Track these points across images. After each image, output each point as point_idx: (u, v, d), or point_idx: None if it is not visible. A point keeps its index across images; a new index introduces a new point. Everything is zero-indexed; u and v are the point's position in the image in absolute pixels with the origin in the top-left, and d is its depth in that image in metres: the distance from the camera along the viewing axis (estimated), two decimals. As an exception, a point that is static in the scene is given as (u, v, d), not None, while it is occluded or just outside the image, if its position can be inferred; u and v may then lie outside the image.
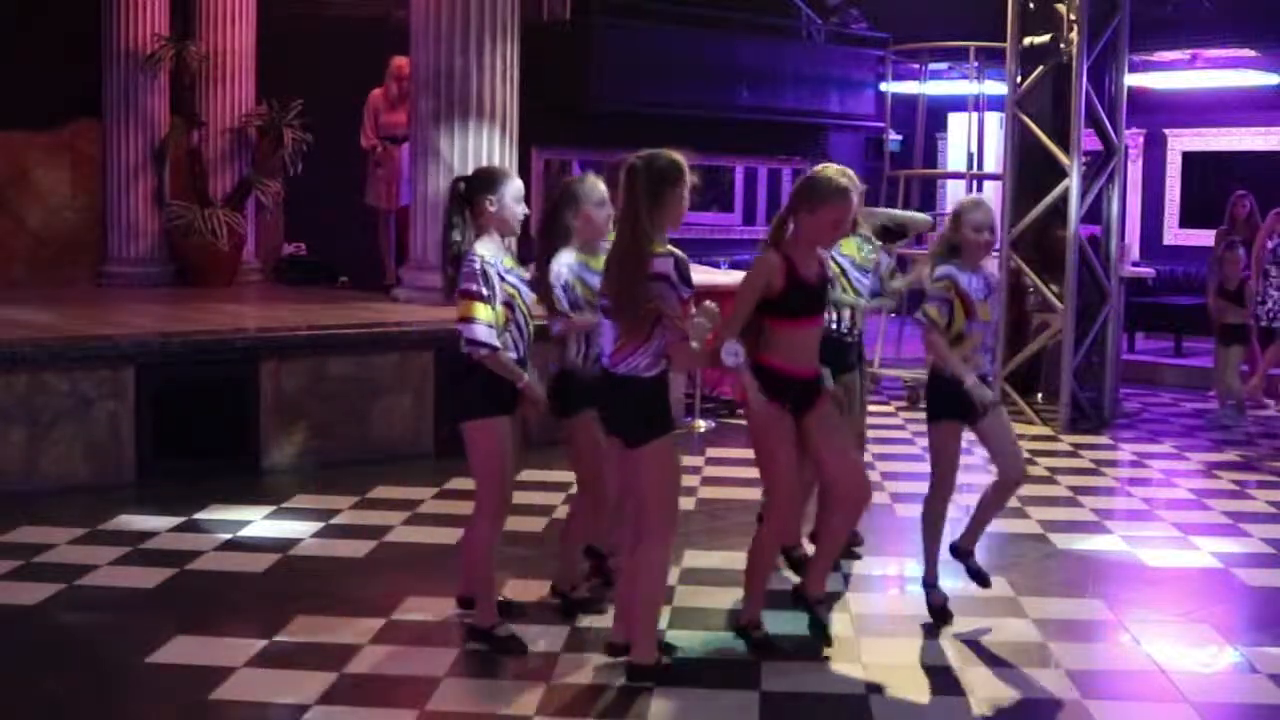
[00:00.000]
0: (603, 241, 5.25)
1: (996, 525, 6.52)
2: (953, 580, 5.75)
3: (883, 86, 14.59)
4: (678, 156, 4.68)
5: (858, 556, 6.42)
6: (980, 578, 5.77)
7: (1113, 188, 10.52)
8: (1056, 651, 5.25)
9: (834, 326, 6.08)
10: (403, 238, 10.78)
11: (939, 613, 5.58)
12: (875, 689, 4.83)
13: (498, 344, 4.91)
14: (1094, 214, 10.51)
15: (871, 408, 6.66)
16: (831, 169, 5.08)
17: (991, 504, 5.77)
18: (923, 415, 5.87)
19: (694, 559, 6.31)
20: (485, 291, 4.88)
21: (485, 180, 5.09)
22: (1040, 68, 10.38)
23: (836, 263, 6.09)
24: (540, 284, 5.33)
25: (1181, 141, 16.39)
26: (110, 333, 8.17)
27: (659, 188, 4.60)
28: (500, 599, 5.36)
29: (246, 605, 5.65)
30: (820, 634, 5.20)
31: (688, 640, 5.23)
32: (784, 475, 5.00)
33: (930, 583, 5.66)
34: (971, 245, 5.58)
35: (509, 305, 4.98)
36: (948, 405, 5.51)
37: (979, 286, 5.58)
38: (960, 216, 5.66)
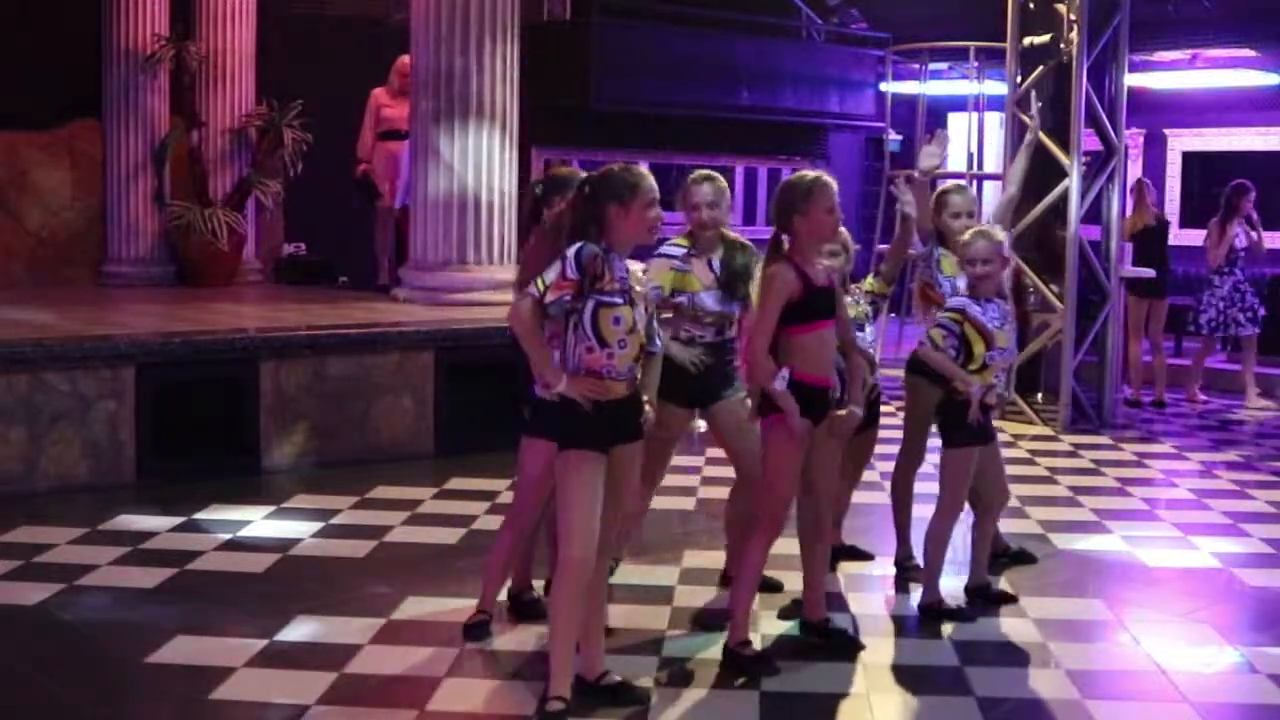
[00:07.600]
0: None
1: (998, 525, 6.53)
2: (953, 580, 5.77)
3: (883, 86, 14.60)
4: (637, 171, 4.49)
5: (870, 557, 6.41)
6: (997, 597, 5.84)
7: (1113, 188, 10.51)
8: (1056, 651, 5.24)
9: None
10: (402, 237, 10.78)
11: (952, 612, 5.61)
12: (875, 689, 4.83)
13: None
14: (1094, 214, 10.51)
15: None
16: (794, 175, 5.19)
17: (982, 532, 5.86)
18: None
19: (693, 559, 6.31)
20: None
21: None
22: (1040, 68, 10.38)
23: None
24: None
25: (1181, 141, 16.36)
26: (110, 333, 8.17)
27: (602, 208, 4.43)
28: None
29: (246, 605, 5.64)
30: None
31: (687, 640, 5.23)
32: (790, 492, 5.01)
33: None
34: (979, 279, 5.53)
35: None
36: (966, 429, 5.49)
37: (995, 315, 5.52)
38: (966, 248, 5.57)
